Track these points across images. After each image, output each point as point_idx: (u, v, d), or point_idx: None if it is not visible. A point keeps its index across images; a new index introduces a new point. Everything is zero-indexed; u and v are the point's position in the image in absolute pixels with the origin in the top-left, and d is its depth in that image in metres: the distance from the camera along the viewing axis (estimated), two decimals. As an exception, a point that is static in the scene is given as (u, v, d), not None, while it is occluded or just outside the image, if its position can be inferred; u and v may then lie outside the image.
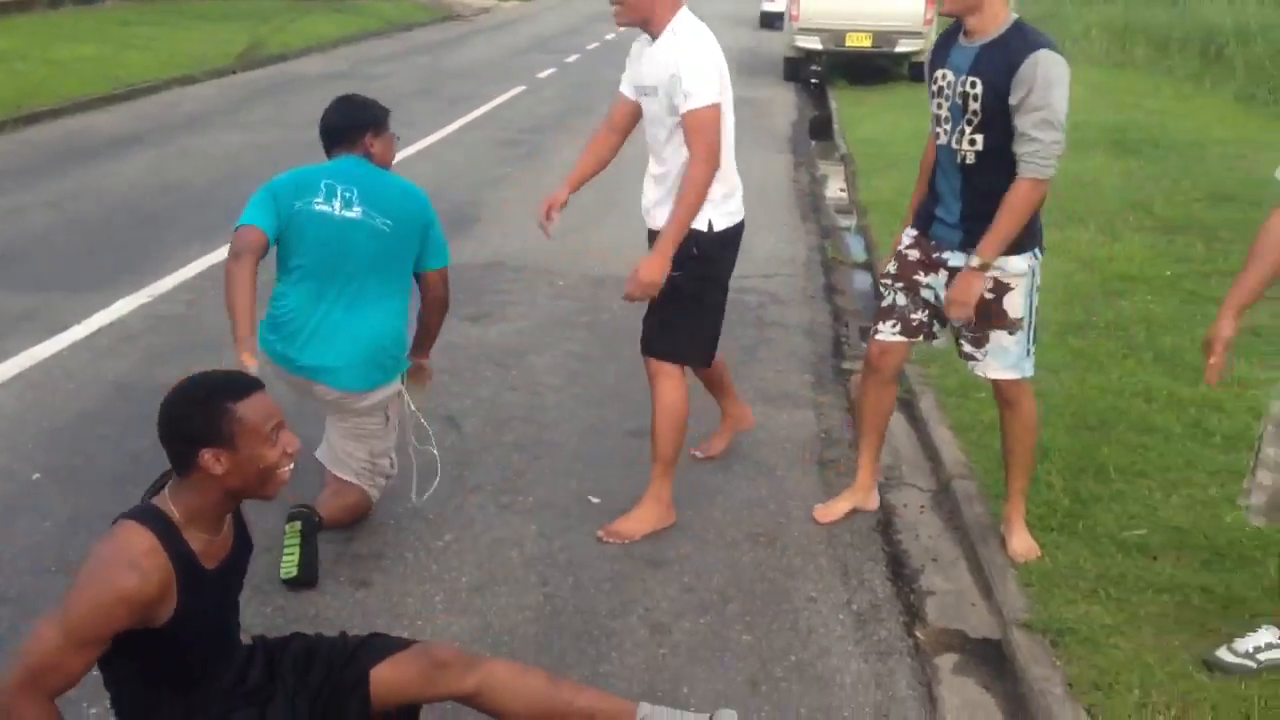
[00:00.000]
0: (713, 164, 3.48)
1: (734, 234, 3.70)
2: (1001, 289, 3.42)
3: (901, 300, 3.67)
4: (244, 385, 2.15)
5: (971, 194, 3.43)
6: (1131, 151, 9.70)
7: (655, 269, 3.50)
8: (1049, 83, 3.18)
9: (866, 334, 5.82)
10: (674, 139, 3.55)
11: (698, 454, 4.25)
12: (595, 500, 3.95)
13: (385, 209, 3.50)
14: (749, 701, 2.93)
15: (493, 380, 4.89)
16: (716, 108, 3.46)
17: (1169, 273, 6.42)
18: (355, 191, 3.49)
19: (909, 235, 3.67)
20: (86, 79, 12.48)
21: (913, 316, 3.66)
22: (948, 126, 3.41)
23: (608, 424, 4.54)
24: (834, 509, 3.92)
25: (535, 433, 4.44)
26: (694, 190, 3.47)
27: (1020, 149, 3.23)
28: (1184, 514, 3.79)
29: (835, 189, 9.58)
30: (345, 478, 3.61)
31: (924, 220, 3.61)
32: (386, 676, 2.34)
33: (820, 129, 12.42)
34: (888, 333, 3.70)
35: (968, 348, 3.55)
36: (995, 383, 3.59)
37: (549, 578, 3.46)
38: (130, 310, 5.55)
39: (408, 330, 3.64)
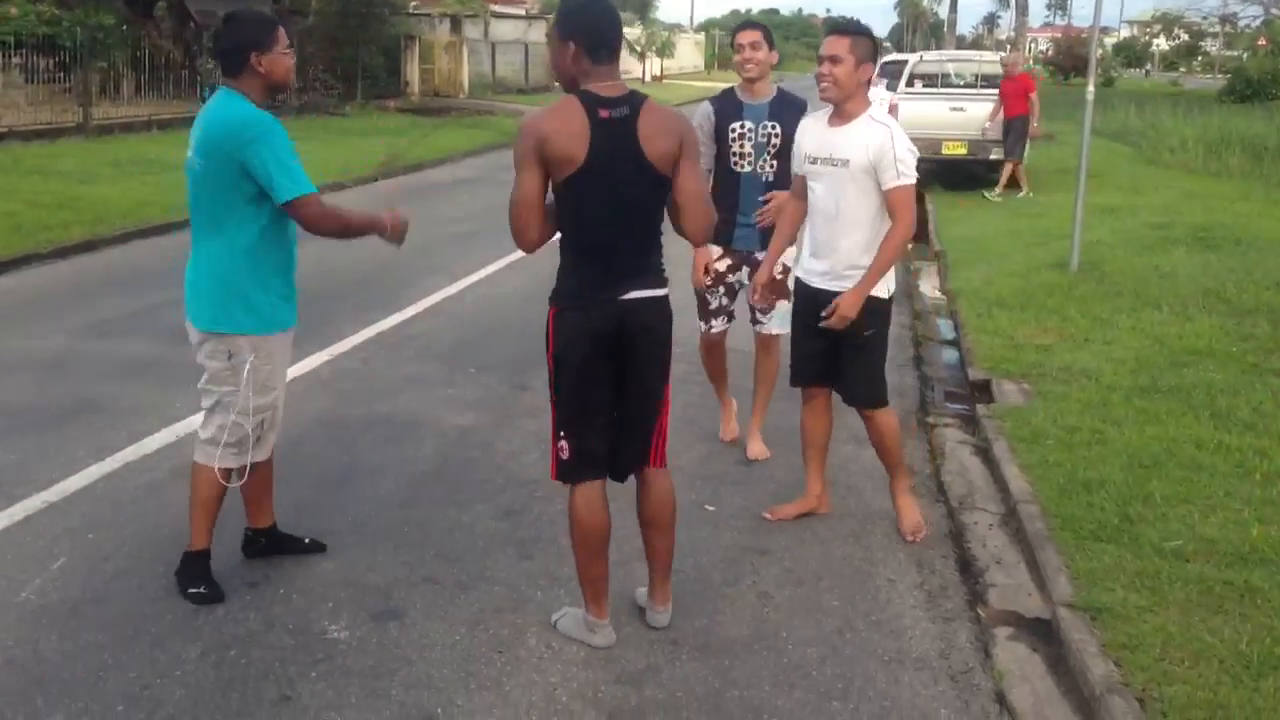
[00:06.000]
0: None
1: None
2: (787, 273, 5.02)
3: (724, 302, 5.29)
4: None
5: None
6: (1213, 247, 10.28)
7: None
8: None
9: (949, 396, 6.63)
10: None
11: (768, 516, 4.70)
12: (710, 508, 4.75)
13: (199, 145, 3.61)
14: (835, 642, 3.68)
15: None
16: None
17: (1234, 349, 7.00)
18: (196, 130, 3.66)
19: (715, 251, 5.14)
20: (251, 184, 13.96)
21: (729, 308, 5.32)
22: (751, 157, 5.03)
23: (717, 453, 5.36)
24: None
25: (660, 460, 5.25)
26: None
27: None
28: (1218, 530, 4.41)
29: (928, 284, 10.31)
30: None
31: (725, 238, 5.07)
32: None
33: (916, 231, 13.21)
34: (719, 326, 5.35)
35: (759, 316, 5.23)
36: (765, 336, 5.29)
37: (674, 561, 4.24)
38: (319, 364, 6.60)
39: (244, 276, 3.68)
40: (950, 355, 7.65)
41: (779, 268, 4.96)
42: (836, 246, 4.30)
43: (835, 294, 4.28)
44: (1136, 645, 3.60)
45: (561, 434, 3.51)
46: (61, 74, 18.57)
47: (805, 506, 4.71)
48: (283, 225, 3.78)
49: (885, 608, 3.95)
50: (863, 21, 4.46)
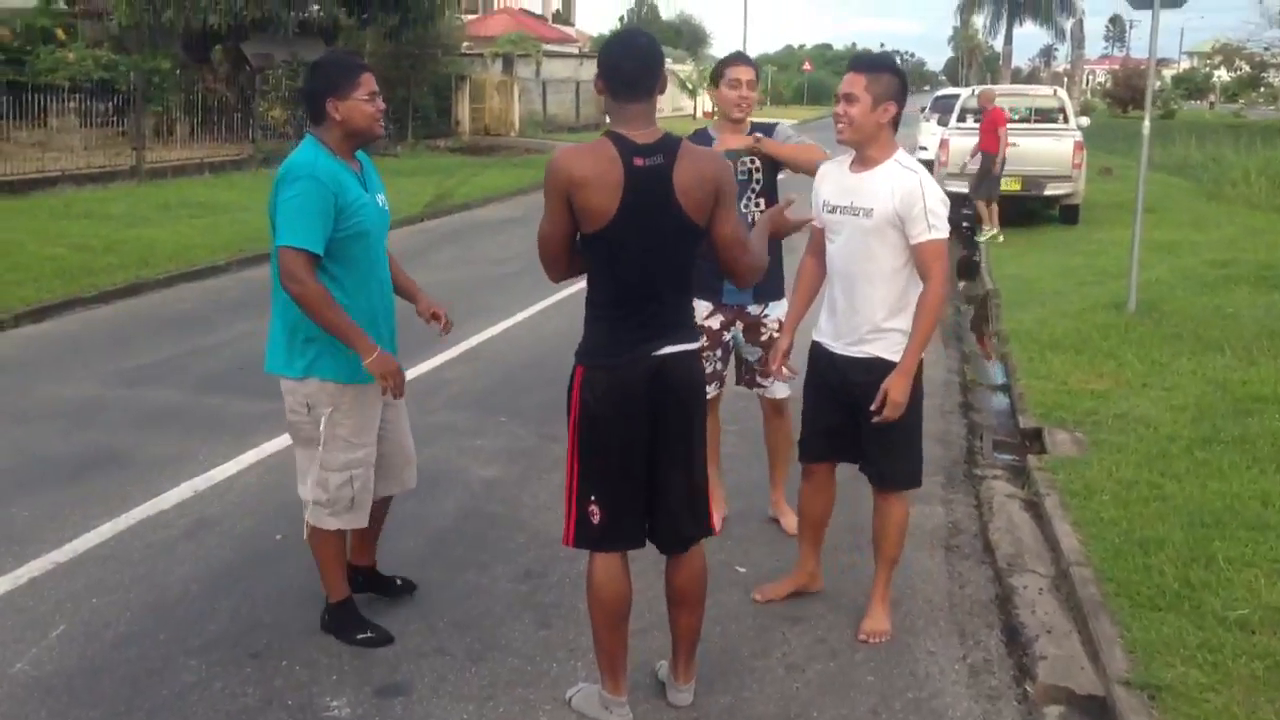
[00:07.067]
0: None
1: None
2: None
3: (719, 367, 4.78)
4: None
5: None
6: (1278, 287, 9.88)
7: None
8: None
9: (999, 445, 6.34)
10: None
11: (758, 597, 4.30)
12: (741, 569, 4.52)
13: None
14: (869, 725, 3.42)
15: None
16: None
17: (1302, 395, 6.66)
18: None
19: (705, 308, 4.61)
20: (297, 226, 14.00)
21: (723, 373, 4.83)
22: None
23: (752, 511, 5.12)
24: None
25: (690, 516, 5.03)
26: None
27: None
28: (1287, 598, 4.11)
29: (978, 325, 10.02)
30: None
31: (713, 293, 4.58)
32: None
33: (969, 269, 12.91)
34: (711, 391, 4.67)
35: (759, 380, 4.81)
36: (772, 401, 4.86)
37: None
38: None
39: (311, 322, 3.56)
40: (1000, 401, 7.36)
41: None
42: (856, 307, 3.87)
43: (856, 360, 3.90)
44: (1199, 730, 3.32)
45: (591, 499, 3.27)
46: (116, 118, 18.88)
47: (797, 583, 4.32)
48: (357, 277, 3.66)
49: (924, 684, 3.69)
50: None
